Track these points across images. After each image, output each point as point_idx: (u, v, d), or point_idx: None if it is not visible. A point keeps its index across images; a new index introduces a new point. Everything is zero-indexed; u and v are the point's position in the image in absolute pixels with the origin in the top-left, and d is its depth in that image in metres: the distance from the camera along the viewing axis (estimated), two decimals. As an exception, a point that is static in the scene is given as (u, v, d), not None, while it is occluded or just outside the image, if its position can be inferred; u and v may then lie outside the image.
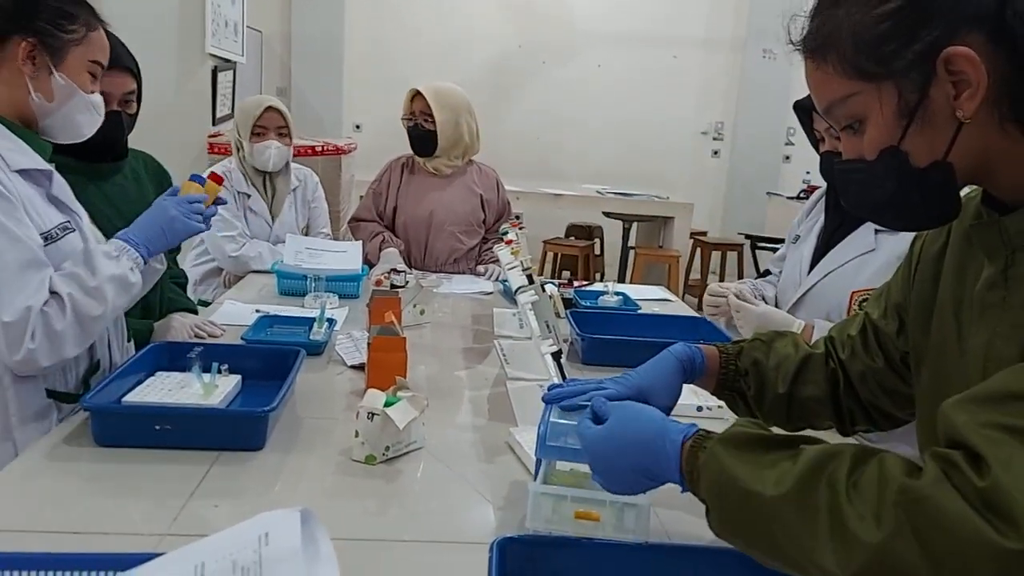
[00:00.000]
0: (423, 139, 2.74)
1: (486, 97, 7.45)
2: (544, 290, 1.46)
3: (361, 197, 3.05)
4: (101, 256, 1.34)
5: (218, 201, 1.57)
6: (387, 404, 1.25)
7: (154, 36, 3.40)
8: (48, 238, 1.29)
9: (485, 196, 2.90)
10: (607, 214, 6.09)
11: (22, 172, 1.29)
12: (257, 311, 2.03)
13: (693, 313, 2.42)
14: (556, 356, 1.36)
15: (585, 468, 0.96)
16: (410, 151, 2.83)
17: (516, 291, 1.44)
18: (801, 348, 1.13)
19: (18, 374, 1.29)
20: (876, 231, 1.62)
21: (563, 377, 1.33)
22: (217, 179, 1.57)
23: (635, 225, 6.19)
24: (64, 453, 1.22)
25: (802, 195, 6.55)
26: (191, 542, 0.89)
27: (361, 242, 2.55)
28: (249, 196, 2.69)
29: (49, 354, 1.25)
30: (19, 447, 1.31)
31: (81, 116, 1.39)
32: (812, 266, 1.73)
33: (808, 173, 6.78)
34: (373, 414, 1.24)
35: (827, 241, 1.73)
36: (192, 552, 0.74)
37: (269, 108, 2.64)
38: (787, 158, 7.59)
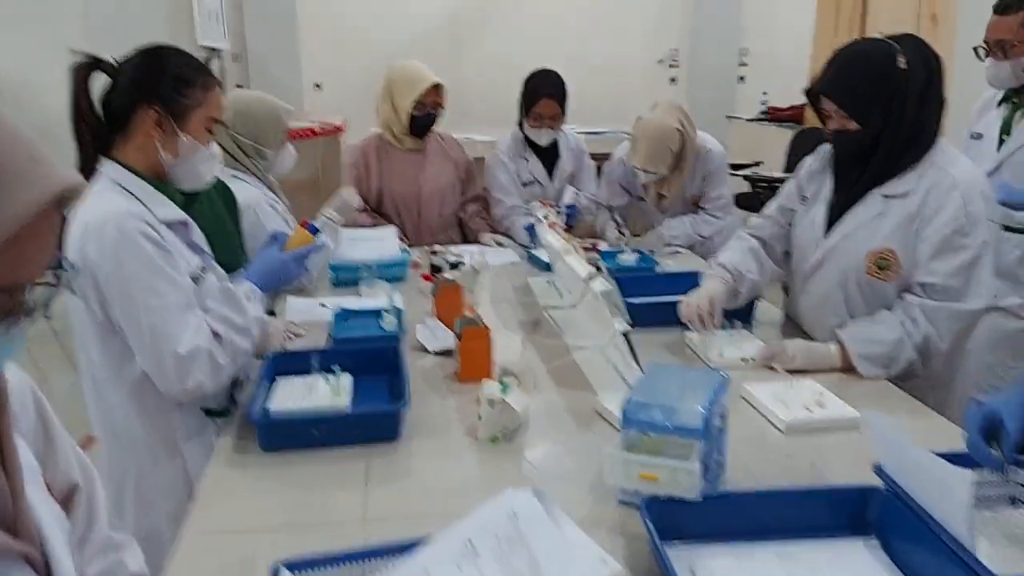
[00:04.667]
0: (428, 125, 2.91)
1: (445, 47, 7.52)
2: (605, 271, 1.69)
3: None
4: (243, 298, 1.54)
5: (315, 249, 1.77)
6: (502, 390, 1.50)
7: (144, 31, 3.47)
8: (195, 280, 1.49)
9: (457, 160, 3.10)
10: (595, 155, 6.26)
11: (167, 223, 1.48)
12: (323, 305, 2.23)
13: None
14: (627, 336, 1.60)
15: (660, 437, 1.20)
16: (379, 128, 2.96)
17: (588, 279, 1.67)
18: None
19: (180, 401, 1.50)
20: (884, 196, 1.79)
21: (634, 356, 1.58)
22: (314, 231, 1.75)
23: (605, 162, 6.39)
24: (239, 461, 1.45)
25: (761, 116, 6.81)
26: (389, 524, 1.19)
27: (395, 228, 2.74)
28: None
29: (214, 385, 1.47)
30: (187, 461, 1.53)
31: (203, 167, 1.57)
32: (827, 230, 1.90)
33: (765, 93, 7.02)
34: (494, 401, 1.48)
35: (839, 205, 1.88)
36: (456, 533, 0.99)
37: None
38: (741, 79, 7.79)
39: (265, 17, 7.20)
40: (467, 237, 3.12)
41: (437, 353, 1.93)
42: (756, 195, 5.43)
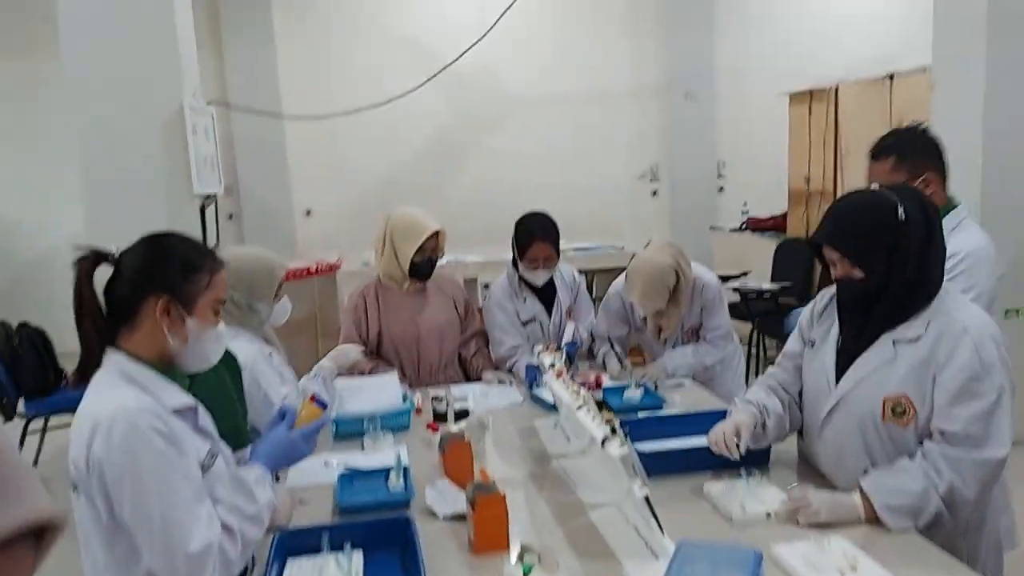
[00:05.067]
0: (429, 270, 2.94)
1: (430, 171, 7.71)
2: (622, 433, 1.66)
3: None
4: (253, 484, 1.49)
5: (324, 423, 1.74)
6: (525, 572, 1.44)
7: (141, 182, 3.53)
8: (203, 468, 1.45)
9: (454, 297, 3.11)
10: (583, 271, 6.34)
11: (176, 410, 1.45)
12: (326, 464, 2.18)
13: (720, 406, 2.66)
14: (648, 499, 1.56)
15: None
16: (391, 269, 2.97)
17: (603, 443, 1.64)
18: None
19: None
20: (894, 342, 1.79)
21: (656, 520, 1.54)
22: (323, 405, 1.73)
23: (595, 277, 6.47)
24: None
25: (744, 227, 6.95)
26: None
27: (396, 372, 2.72)
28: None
29: None
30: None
31: (210, 348, 1.55)
32: (837, 376, 1.88)
33: (745, 204, 7.19)
34: (518, 585, 1.42)
35: (848, 351, 1.87)
36: None
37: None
38: (721, 189, 8.01)
39: (256, 148, 7.39)
40: (468, 375, 3.10)
41: (447, 518, 1.86)
42: (746, 305, 5.48)
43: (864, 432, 1.82)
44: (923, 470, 1.70)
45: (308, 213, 7.76)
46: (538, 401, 2.70)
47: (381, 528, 1.73)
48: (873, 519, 1.71)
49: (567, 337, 2.99)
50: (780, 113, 6.46)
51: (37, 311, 5.30)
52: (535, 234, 2.98)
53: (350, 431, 2.41)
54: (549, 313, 3.14)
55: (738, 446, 1.90)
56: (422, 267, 2.94)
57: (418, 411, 2.61)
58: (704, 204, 7.95)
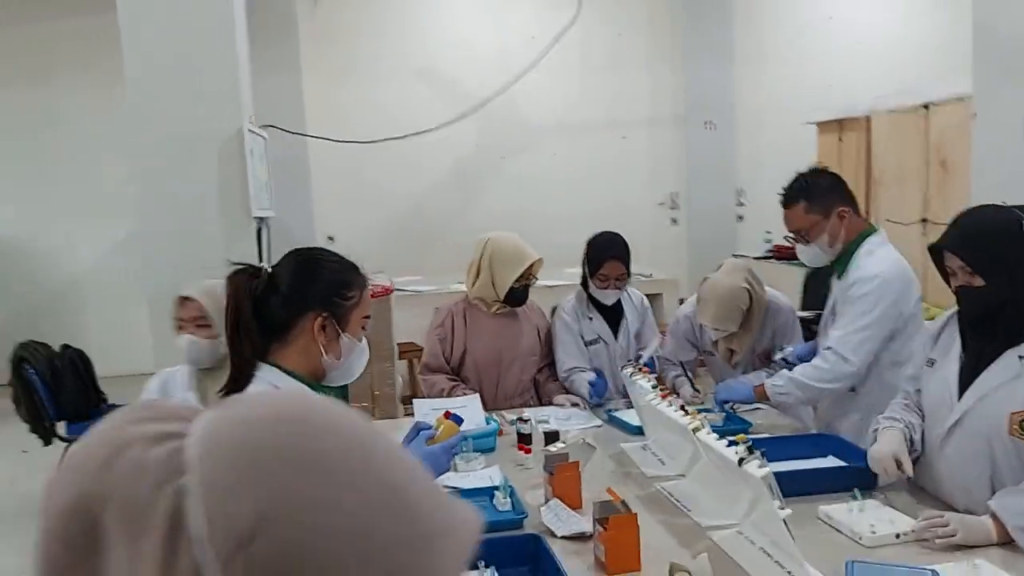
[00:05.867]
0: (524, 297, 2.97)
1: (452, 197, 7.74)
2: (759, 453, 1.64)
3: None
4: None
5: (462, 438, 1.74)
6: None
7: (197, 204, 3.52)
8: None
9: (539, 326, 3.12)
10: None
11: None
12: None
13: (810, 428, 2.66)
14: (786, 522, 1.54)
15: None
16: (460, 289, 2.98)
17: (740, 463, 1.62)
18: None
19: None
20: (1020, 357, 1.79)
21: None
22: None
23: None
24: None
25: (768, 254, 6.98)
26: None
27: (477, 395, 2.70)
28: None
29: None
30: None
31: (357, 363, 1.55)
32: (960, 391, 1.89)
33: (769, 232, 7.22)
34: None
35: (971, 366, 1.88)
36: None
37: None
38: (740, 218, 8.05)
39: (281, 173, 7.39)
40: (540, 399, 3.08)
41: (565, 537, 1.84)
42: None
43: (989, 447, 1.82)
44: None
45: (331, 239, 7.75)
46: (618, 423, 2.69)
47: (511, 546, 1.71)
48: (1006, 540, 1.70)
49: (648, 355, 2.99)
50: (803, 142, 6.52)
51: (68, 334, 5.29)
52: (608, 252, 3.00)
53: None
54: (616, 335, 3.14)
55: (901, 467, 1.91)
56: (519, 294, 2.95)
57: (499, 433, 2.59)
58: (724, 232, 7.99)
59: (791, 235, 2.66)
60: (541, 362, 3.14)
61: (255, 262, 3.72)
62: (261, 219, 3.77)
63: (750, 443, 1.64)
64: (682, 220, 8.18)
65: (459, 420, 1.70)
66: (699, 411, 2.61)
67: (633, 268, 6.35)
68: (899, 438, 1.94)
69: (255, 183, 3.58)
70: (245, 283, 1.47)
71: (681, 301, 3.52)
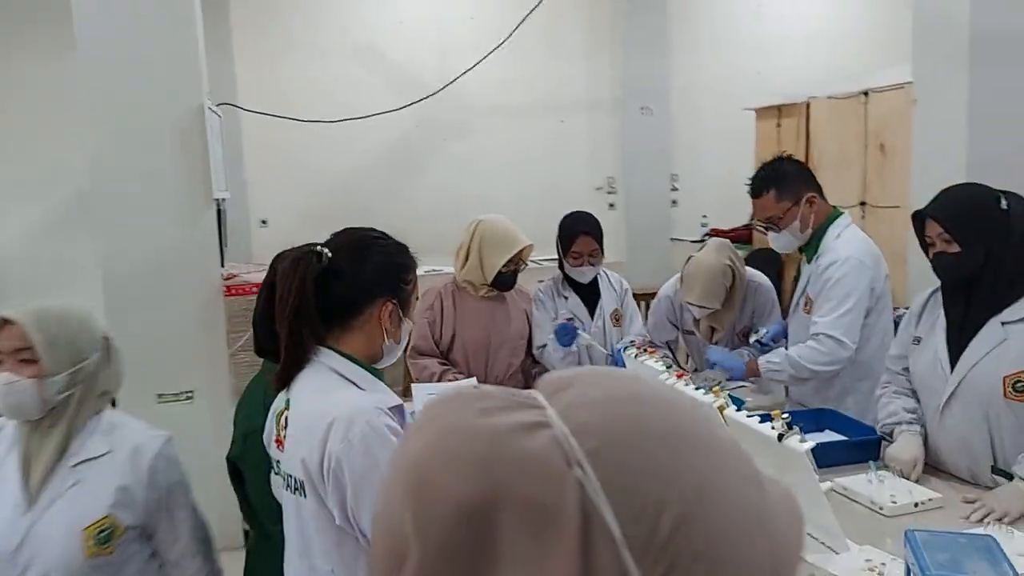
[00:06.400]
0: (513, 281, 2.94)
1: (390, 179, 7.61)
2: (798, 427, 1.67)
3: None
4: None
5: None
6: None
7: (157, 186, 3.36)
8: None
9: (528, 310, 3.11)
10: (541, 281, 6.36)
11: (390, 409, 1.39)
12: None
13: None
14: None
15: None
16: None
17: (780, 438, 1.65)
18: None
19: None
20: (1003, 323, 1.90)
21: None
22: None
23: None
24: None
25: (705, 238, 7.14)
26: None
27: (475, 379, 2.66)
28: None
29: None
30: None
31: (400, 346, 1.50)
32: (951, 362, 1.98)
33: (705, 216, 7.40)
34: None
35: (957, 339, 1.98)
36: None
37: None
38: (674, 203, 8.21)
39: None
40: (528, 384, 3.06)
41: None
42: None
43: (987, 412, 1.91)
44: None
45: (263, 223, 7.52)
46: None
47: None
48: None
49: (631, 336, 3.01)
50: (740, 128, 6.69)
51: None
52: (579, 227, 3.01)
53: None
54: (592, 315, 3.15)
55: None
56: (507, 278, 2.91)
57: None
58: (659, 216, 8.13)
59: (762, 224, 2.71)
60: (530, 346, 3.12)
61: (215, 246, 3.59)
62: (218, 201, 3.62)
63: (788, 417, 1.66)
64: (619, 204, 8.28)
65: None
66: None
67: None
68: (918, 443, 2.02)
69: (215, 163, 3.43)
70: (309, 266, 1.39)
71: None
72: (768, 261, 6.03)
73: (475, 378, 2.68)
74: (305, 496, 1.34)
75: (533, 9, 5.69)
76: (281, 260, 1.80)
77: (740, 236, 6.80)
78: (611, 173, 8.21)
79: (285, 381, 1.39)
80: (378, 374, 1.45)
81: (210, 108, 3.43)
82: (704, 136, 7.85)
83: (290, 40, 7.26)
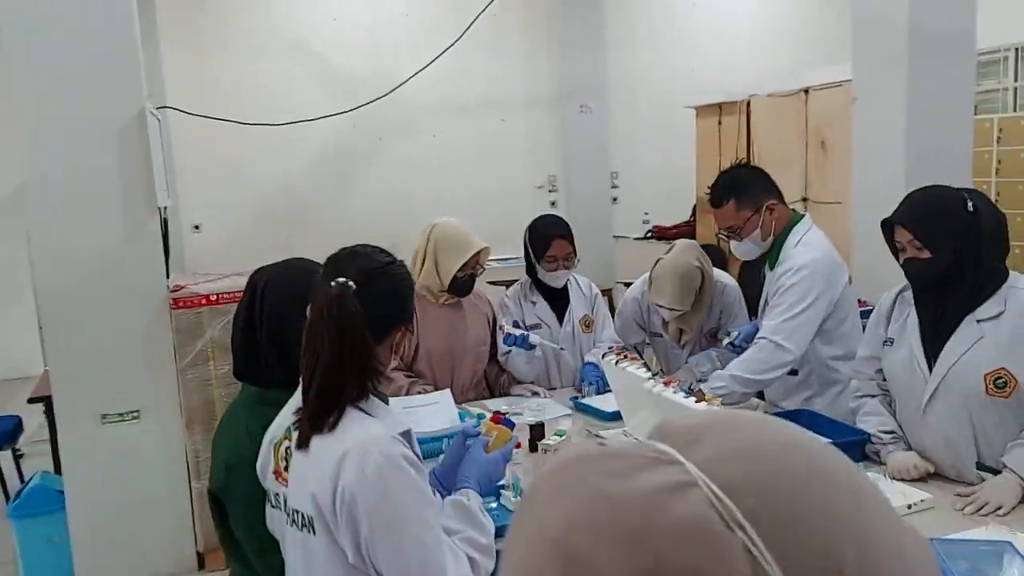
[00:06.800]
0: (470, 286, 2.85)
1: (332, 180, 7.44)
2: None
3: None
4: (479, 513, 1.37)
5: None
6: None
7: (102, 196, 3.18)
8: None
9: (488, 315, 3.05)
10: (491, 283, 6.30)
11: (400, 435, 1.31)
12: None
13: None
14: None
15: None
16: None
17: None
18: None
19: None
20: (978, 320, 1.94)
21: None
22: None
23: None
24: None
25: (649, 235, 7.20)
26: None
27: (447, 390, 2.59)
28: None
29: None
30: None
31: None
32: (929, 361, 2.00)
33: (646, 214, 7.45)
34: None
35: (932, 338, 2.01)
36: None
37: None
38: (615, 200, 8.25)
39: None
40: (493, 391, 3.01)
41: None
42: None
43: (970, 410, 1.94)
44: None
45: (196, 228, 7.25)
46: (588, 410, 2.66)
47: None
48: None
49: (603, 342, 2.98)
50: (679, 125, 6.76)
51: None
52: (552, 232, 2.97)
53: (427, 452, 2.26)
54: (561, 321, 3.11)
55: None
56: (463, 283, 2.83)
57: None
58: (601, 214, 8.16)
59: (723, 232, 2.71)
60: (493, 352, 3.06)
61: (160, 256, 3.41)
62: (162, 209, 3.45)
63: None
64: (560, 202, 8.28)
65: (511, 424, 1.61)
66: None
67: (512, 252, 6.38)
68: (909, 452, 2.06)
69: (158, 169, 3.26)
70: (352, 311, 1.28)
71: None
72: (712, 258, 6.12)
73: (448, 389, 2.60)
74: (314, 533, 1.26)
75: (486, 7, 5.58)
76: (260, 275, 1.70)
77: (682, 233, 6.87)
78: (552, 171, 8.21)
79: (320, 427, 1.28)
80: (384, 398, 1.38)
81: (151, 112, 3.26)
82: (643, 134, 7.92)
83: (220, 39, 7.02)
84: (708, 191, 2.74)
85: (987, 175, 6.42)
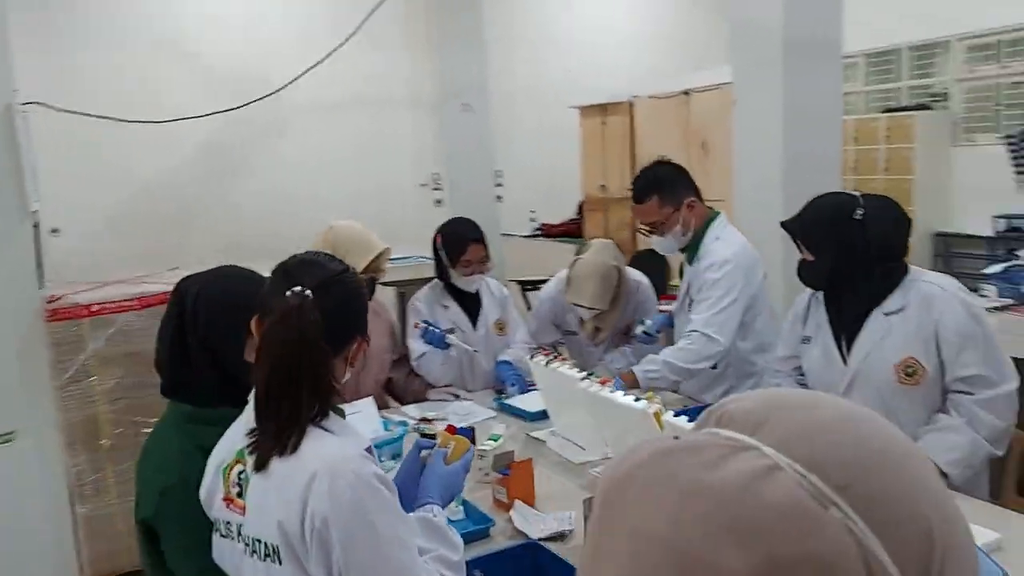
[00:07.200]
0: (371, 289, 2.76)
1: (208, 180, 7.08)
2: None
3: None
4: (448, 530, 1.32)
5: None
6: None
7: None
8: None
9: (388, 321, 2.99)
10: (383, 283, 6.18)
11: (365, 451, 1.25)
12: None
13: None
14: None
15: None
16: None
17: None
18: None
19: None
20: (885, 314, 2.06)
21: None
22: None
23: (409, 289, 6.38)
24: None
25: (537, 233, 7.27)
26: None
27: (371, 398, 2.50)
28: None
29: None
30: None
31: None
32: (843, 356, 2.12)
33: (533, 212, 7.52)
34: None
35: (841, 333, 2.13)
36: None
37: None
38: (499, 198, 8.28)
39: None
40: (401, 398, 2.93)
41: (543, 540, 1.78)
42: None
43: (883, 399, 2.06)
44: (962, 421, 1.97)
45: (55, 231, 6.71)
46: (513, 411, 2.65)
47: (508, 559, 1.62)
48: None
49: (518, 344, 2.98)
50: (563, 125, 6.87)
51: None
52: (470, 236, 2.93)
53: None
54: (474, 324, 3.07)
55: None
56: (371, 288, 2.73)
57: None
58: (486, 213, 8.14)
59: (645, 228, 2.76)
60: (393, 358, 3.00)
61: (32, 265, 3.12)
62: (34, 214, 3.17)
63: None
64: (445, 201, 8.22)
65: (468, 434, 1.56)
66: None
67: (398, 251, 6.30)
68: None
69: (29, 171, 2.99)
70: (312, 322, 1.20)
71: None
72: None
73: (371, 397, 2.51)
74: (280, 563, 1.17)
75: (375, 8, 5.45)
76: (190, 284, 1.58)
77: (570, 231, 6.99)
78: (435, 169, 8.14)
79: (281, 448, 1.18)
80: (341, 413, 1.30)
81: (20, 109, 2.98)
82: (526, 133, 7.97)
83: (84, 30, 6.54)
84: (631, 187, 2.77)
85: (848, 174, 6.88)
